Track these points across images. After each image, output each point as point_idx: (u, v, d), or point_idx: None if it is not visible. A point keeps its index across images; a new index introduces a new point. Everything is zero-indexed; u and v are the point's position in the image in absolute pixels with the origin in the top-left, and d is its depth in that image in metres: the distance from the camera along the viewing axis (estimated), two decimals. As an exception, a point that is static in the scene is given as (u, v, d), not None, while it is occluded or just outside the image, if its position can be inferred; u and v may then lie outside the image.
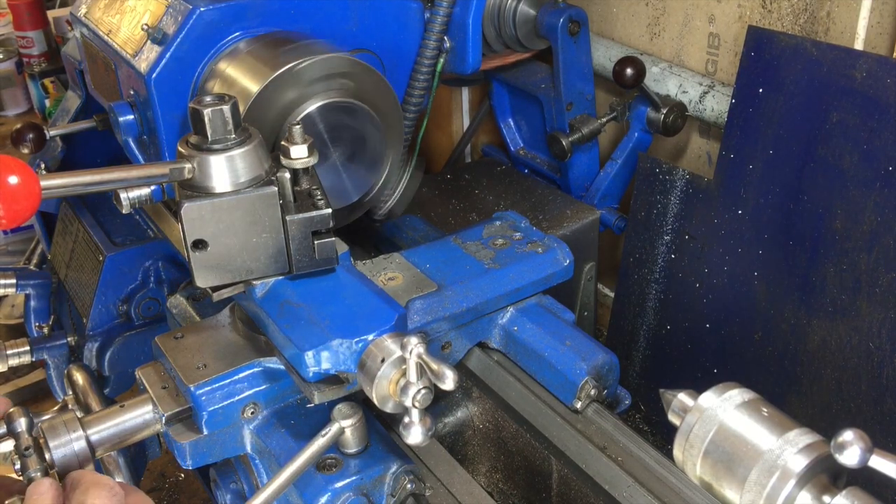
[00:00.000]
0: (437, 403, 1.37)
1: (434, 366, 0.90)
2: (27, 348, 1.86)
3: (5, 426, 1.04)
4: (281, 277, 1.10)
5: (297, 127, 1.04)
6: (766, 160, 1.69)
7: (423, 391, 0.93)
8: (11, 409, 1.04)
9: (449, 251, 1.37)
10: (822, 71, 1.56)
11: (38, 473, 1.00)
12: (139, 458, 1.52)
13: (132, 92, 1.39)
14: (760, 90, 1.67)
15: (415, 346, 0.93)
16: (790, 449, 0.74)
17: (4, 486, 1.05)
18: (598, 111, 2.03)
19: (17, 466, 1.02)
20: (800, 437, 0.75)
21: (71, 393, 1.44)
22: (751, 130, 1.70)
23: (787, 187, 1.65)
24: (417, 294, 1.25)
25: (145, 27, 1.32)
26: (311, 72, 1.25)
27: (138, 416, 1.14)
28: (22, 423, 1.04)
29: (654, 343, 2.01)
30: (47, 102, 3.12)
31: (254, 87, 1.24)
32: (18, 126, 1.79)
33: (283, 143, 1.05)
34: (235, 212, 1.02)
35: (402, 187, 1.60)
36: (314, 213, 1.04)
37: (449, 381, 0.90)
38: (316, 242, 1.06)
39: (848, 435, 0.68)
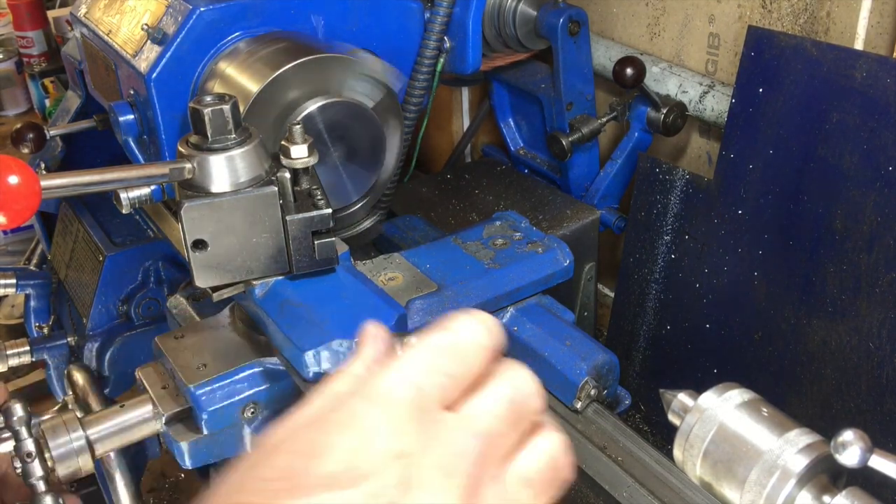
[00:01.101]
0: (437, 403, 1.37)
1: None
2: (27, 348, 1.86)
3: (2, 418, 1.04)
4: (281, 277, 1.10)
5: (298, 127, 1.04)
6: (766, 160, 1.69)
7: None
8: (9, 401, 1.03)
9: (449, 251, 1.37)
10: (822, 71, 1.56)
11: (41, 481, 1.00)
12: (139, 458, 1.52)
13: (132, 92, 1.39)
14: (760, 90, 1.67)
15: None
16: (790, 449, 0.74)
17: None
18: (598, 111, 2.03)
19: (19, 469, 1.02)
20: (800, 437, 0.75)
21: (71, 393, 1.44)
22: (751, 130, 1.70)
23: (787, 187, 1.65)
24: (417, 294, 1.26)
25: (145, 27, 1.32)
26: (311, 71, 1.25)
27: (138, 416, 1.14)
28: (21, 421, 1.03)
29: (654, 343, 2.01)
30: (47, 102, 3.12)
31: (254, 87, 1.24)
32: (18, 126, 1.79)
33: (283, 142, 1.05)
34: (235, 212, 1.02)
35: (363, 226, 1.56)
36: (314, 213, 1.04)
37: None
38: (316, 242, 1.06)
39: (848, 435, 0.68)
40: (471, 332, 0.66)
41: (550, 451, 0.64)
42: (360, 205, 1.44)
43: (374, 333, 0.72)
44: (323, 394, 0.65)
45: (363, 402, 0.61)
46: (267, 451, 0.61)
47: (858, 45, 1.60)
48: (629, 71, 1.81)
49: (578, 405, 1.22)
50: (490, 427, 0.62)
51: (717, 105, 1.89)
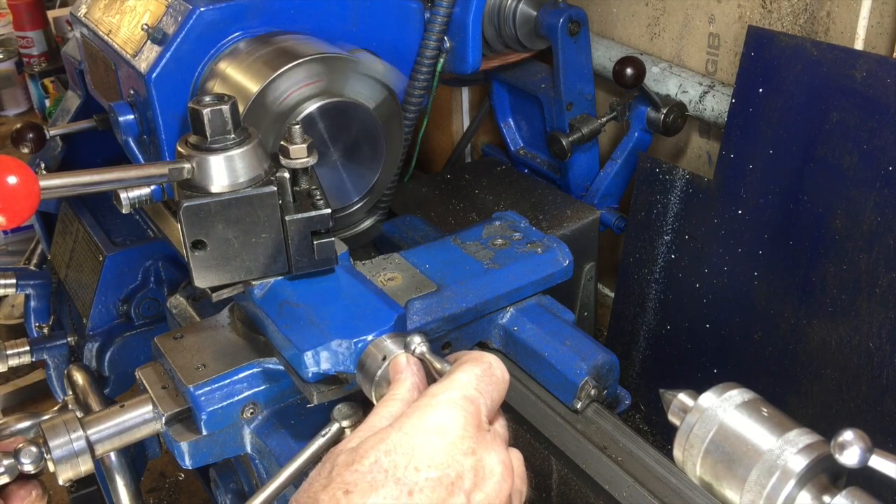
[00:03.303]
0: (437, 403, 1.37)
1: (437, 364, 0.90)
2: (27, 348, 1.86)
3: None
4: (280, 278, 1.10)
5: (297, 127, 1.04)
6: (766, 160, 1.68)
7: (423, 391, 0.93)
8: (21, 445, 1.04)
9: (448, 251, 1.36)
10: (822, 71, 1.56)
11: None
12: (139, 458, 1.52)
13: (132, 92, 1.39)
14: (760, 90, 1.67)
15: (418, 344, 0.93)
16: (790, 449, 0.74)
17: None
18: (598, 111, 2.03)
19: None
20: (800, 437, 0.75)
21: (71, 393, 1.44)
22: (751, 130, 1.70)
23: (787, 187, 1.65)
24: (417, 294, 1.25)
25: (145, 27, 1.32)
26: (311, 72, 1.25)
27: (138, 416, 1.14)
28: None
29: (654, 343, 2.01)
30: (47, 102, 3.13)
31: (254, 87, 1.24)
32: (18, 126, 1.79)
33: (282, 143, 1.05)
34: (235, 212, 1.02)
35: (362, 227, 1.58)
36: (313, 214, 1.04)
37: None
38: (315, 243, 1.06)
39: (848, 435, 0.68)
40: (501, 369, 0.87)
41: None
42: (359, 205, 1.44)
43: (408, 362, 0.91)
44: (380, 414, 0.82)
45: (436, 409, 0.78)
46: (353, 453, 0.75)
47: (858, 45, 1.60)
48: (629, 71, 1.81)
49: (578, 405, 1.22)
50: (507, 439, 0.86)
51: (717, 105, 1.89)
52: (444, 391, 0.81)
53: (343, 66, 1.29)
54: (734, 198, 1.75)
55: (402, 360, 0.92)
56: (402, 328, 1.04)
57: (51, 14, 3.31)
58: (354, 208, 1.45)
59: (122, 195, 1.10)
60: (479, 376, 0.84)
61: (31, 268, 2.12)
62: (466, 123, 2.66)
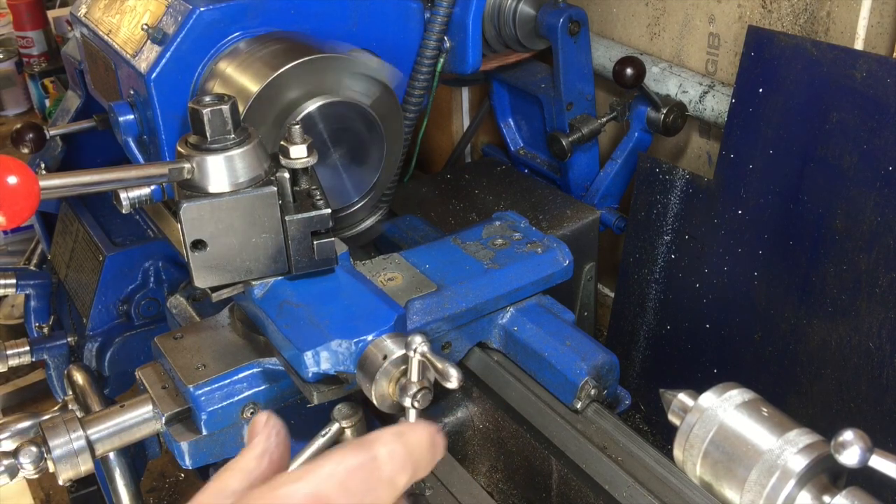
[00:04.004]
0: (437, 403, 1.37)
1: (439, 364, 0.90)
2: (27, 348, 1.86)
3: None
4: (280, 278, 1.10)
5: (297, 127, 1.04)
6: (766, 160, 1.68)
7: (423, 391, 0.93)
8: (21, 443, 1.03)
9: (448, 251, 1.37)
10: (822, 71, 1.56)
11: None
12: (139, 458, 1.52)
13: (132, 92, 1.39)
14: (760, 90, 1.67)
15: (419, 344, 0.93)
16: (790, 449, 0.74)
17: None
18: (598, 111, 2.03)
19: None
20: (800, 437, 0.75)
21: (71, 393, 1.44)
22: (751, 130, 1.70)
23: (787, 187, 1.65)
24: (417, 294, 1.25)
25: (145, 27, 1.32)
26: (311, 72, 1.25)
27: (138, 416, 1.14)
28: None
29: (654, 343, 2.01)
30: (47, 102, 3.12)
31: (254, 87, 1.24)
32: (18, 126, 1.79)
33: (282, 143, 1.05)
34: (235, 212, 1.02)
35: (372, 221, 1.58)
36: (313, 214, 1.04)
37: (454, 380, 0.90)
38: (315, 243, 1.06)
39: (848, 435, 0.68)
40: (393, 467, 0.63)
41: None
42: (360, 204, 1.44)
43: (266, 423, 0.73)
44: (217, 490, 0.66)
45: None
46: None
47: (858, 45, 1.60)
48: (629, 71, 1.81)
49: (578, 405, 1.22)
50: None
51: (717, 105, 1.89)
52: (293, 482, 0.61)
53: (341, 65, 1.29)
54: (734, 198, 1.75)
55: (261, 421, 0.74)
56: (402, 328, 1.04)
57: (51, 14, 3.30)
58: (355, 208, 1.45)
59: (122, 195, 1.10)
60: (351, 471, 0.62)
61: (31, 268, 2.12)
62: (466, 123, 2.66)
